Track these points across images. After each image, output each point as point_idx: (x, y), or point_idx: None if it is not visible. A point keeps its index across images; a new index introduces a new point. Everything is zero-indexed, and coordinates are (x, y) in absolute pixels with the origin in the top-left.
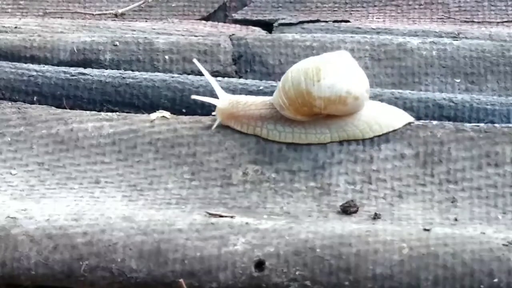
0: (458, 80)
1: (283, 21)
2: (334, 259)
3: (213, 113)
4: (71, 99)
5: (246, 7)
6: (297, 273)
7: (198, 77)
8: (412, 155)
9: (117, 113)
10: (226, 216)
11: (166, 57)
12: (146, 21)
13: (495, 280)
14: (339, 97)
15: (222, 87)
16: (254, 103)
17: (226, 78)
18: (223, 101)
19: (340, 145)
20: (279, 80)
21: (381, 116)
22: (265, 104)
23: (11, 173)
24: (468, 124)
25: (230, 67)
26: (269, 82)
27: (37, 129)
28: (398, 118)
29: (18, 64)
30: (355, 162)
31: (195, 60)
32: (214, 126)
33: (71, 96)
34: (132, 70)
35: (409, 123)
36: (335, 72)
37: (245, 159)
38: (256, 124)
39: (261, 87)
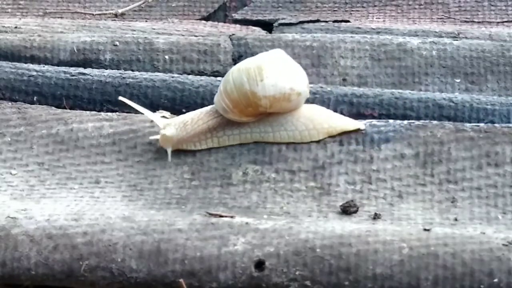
0: (458, 80)
1: (283, 21)
2: (334, 259)
3: (151, 138)
4: (71, 99)
5: (246, 7)
6: (297, 273)
7: (198, 77)
8: (412, 155)
9: (117, 113)
10: (226, 216)
11: (166, 57)
12: (146, 21)
13: (495, 280)
14: (283, 94)
15: None
16: (199, 117)
17: None
18: (170, 128)
19: (340, 145)
20: None
21: (320, 121)
22: (210, 114)
23: (11, 173)
24: (468, 124)
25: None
26: None
27: (37, 129)
28: (338, 125)
29: (18, 64)
30: (355, 162)
31: (122, 99)
32: (169, 158)
33: (71, 96)
34: (132, 70)
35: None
36: (276, 70)
37: (245, 159)
38: (207, 136)
39: None
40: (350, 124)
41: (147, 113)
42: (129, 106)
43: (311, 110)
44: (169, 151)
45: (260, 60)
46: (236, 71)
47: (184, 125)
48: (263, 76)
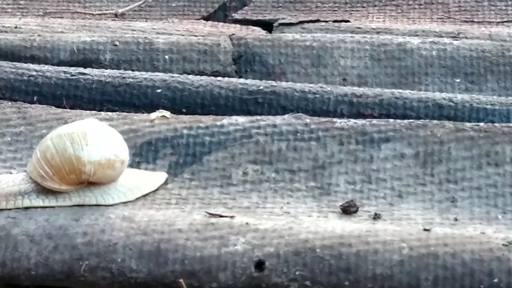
0: (458, 80)
1: (283, 21)
2: (334, 259)
3: None
4: (71, 99)
5: (246, 7)
6: (297, 273)
7: (198, 77)
8: (412, 155)
9: (117, 113)
10: (226, 216)
11: (166, 57)
12: (146, 21)
13: (495, 280)
14: (108, 160)
15: (222, 87)
16: (12, 180)
17: (226, 78)
18: None
19: (340, 145)
20: (279, 80)
21: (136, 185)
22: (23, 179)
23: (11, 173)
24: (468, 124)
25: (230, 67)
26: (269, 82)
27: (37, 129)
28: (153, 181)
29: (18, 64)
30: (355, 161)
31: None
32: None
33: (71, 96)
34: (132, 70)
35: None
36: (101, 135)
37: (245, 158)
38: (17, 198)
39: (261, 87)
40: (158, 180)
41: None
42: (129, 106)
43: (130, 177)
44: None
45: (82, 125)
46: (57, 137)
47: None
48: (88, 140)
